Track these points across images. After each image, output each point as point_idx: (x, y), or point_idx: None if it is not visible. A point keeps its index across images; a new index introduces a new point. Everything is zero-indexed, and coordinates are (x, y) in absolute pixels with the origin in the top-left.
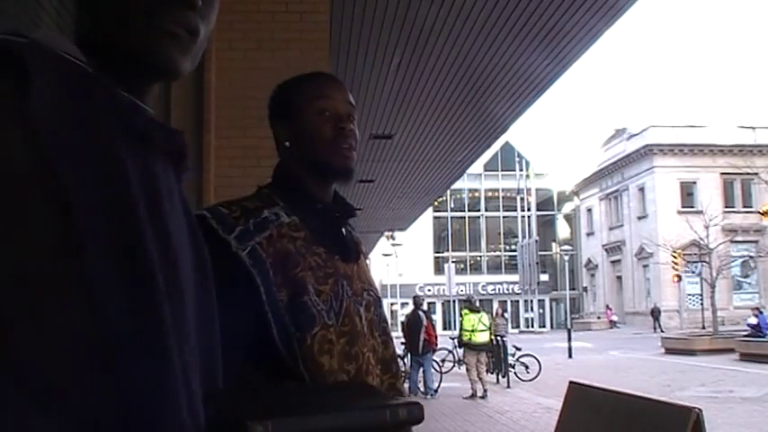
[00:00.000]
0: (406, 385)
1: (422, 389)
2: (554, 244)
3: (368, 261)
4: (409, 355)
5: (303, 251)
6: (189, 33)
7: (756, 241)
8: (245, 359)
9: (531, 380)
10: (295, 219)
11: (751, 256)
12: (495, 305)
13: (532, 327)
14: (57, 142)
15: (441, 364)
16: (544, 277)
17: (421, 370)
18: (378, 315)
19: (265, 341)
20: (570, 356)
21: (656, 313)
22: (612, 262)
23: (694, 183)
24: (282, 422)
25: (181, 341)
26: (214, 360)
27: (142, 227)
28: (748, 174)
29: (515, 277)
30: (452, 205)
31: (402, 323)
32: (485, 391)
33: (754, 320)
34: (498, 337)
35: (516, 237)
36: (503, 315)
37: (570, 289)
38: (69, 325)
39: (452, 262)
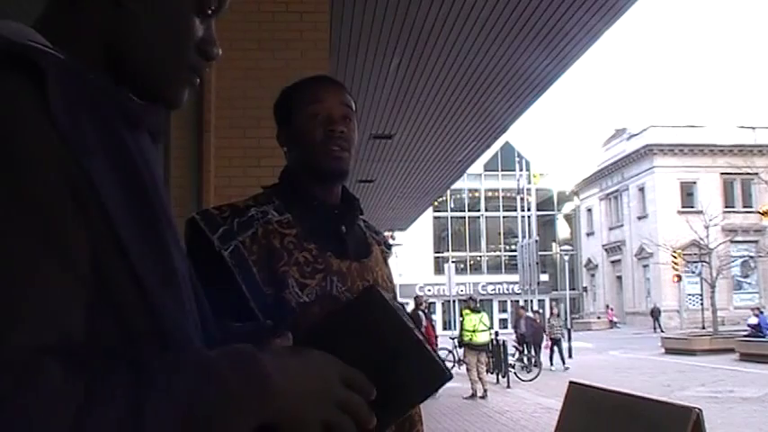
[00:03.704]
0: None
1: None
2: (554, 244)
3: (390, 256)
4: None
5: (291, 247)
6: (199, 78)
7: (756, 241)
8: None
9: (531, 380)
10: (288, 216)
11: (751, 256)
12: (549, 304)
13: None
14: (77, 142)
15: None
16: (544, 277)
17: None
18: None
19: None
20: (570, 356)
21: (656, 313)
22: (612, 262)
23: (694, 183)
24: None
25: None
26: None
27: (158, 216)
28: (748, 174)
29: (515, 277)
30: (452, 205)
31: None
32: (485, 391)
33: (754, 320)
34: (553, 340)
35: (516, 237)
36: (558, 315)
37: (570, 289)
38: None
39: (452, 262)
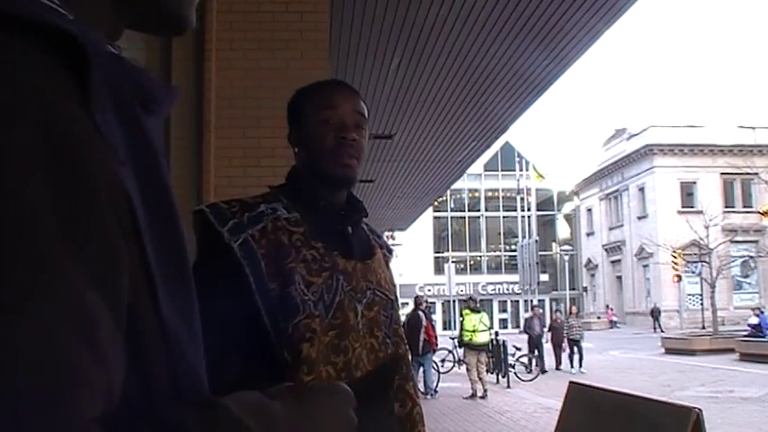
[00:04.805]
0: None
1: (422, 389)
2: (554, 244)
3: (391, 260)
4: (409, 356)
5: (299, 244)
6: None
7: (756, 241)
8: (240, 346)
9: (531, 380)
10: (296, 215)
11: (751, 256)
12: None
13: None
14: (113, 145)
15: (441, 364)
16: (544, 277)
17: (421, 370)
18: (387, 315)
19: (256, 328)
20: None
21: (656, 313)
22: (612, 262)
23: (694, 183)
24: None
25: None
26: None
27: (182, 238)
28: (748, 174)
29: (515, 277)
30: (452, 205)
31: (402, 323)
32: (485, 391)
33: (755, 320)
34: (572, 341)
35: (516, 237)
36: (577, 314)
37: (570, 289)
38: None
39: (452, 262)
